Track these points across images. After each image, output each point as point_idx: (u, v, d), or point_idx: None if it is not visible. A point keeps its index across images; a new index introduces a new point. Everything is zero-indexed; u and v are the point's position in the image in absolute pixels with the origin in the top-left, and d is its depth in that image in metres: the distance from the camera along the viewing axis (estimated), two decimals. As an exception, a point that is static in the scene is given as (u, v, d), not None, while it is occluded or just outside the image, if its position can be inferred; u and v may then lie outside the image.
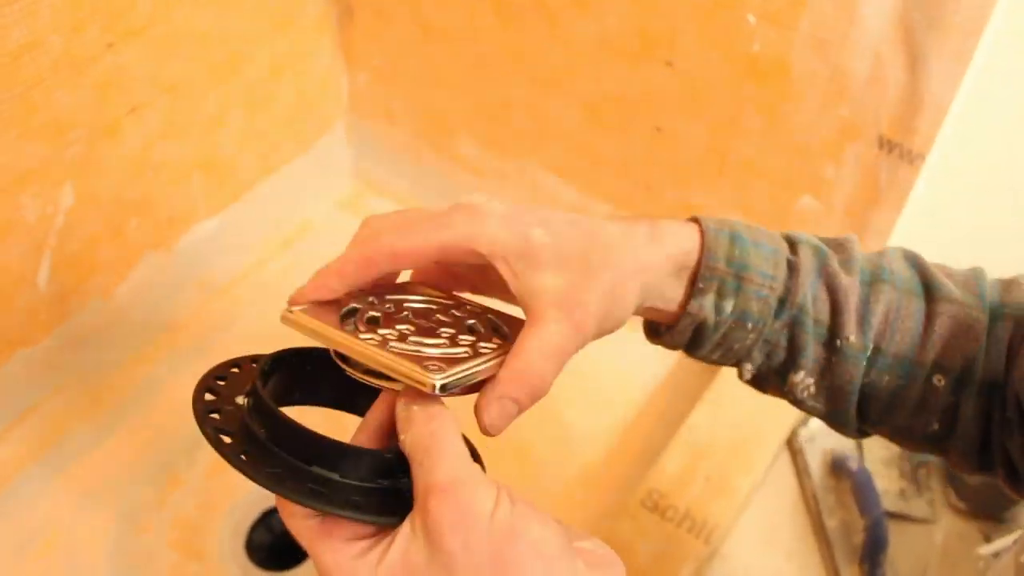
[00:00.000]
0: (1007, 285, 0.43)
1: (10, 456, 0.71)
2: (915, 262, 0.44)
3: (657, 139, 0.74)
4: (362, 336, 0.37)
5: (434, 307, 0.41)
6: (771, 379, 0.45)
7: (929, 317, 0.42)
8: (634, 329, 0.45)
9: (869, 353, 0.42)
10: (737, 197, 0.73)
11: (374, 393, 0.38)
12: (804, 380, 0.43)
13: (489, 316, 0.42)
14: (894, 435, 0.45)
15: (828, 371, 0.43)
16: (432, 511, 0.32)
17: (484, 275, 0.42)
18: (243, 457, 0.35)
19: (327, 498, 0.34)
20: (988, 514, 0.68)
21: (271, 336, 0.91)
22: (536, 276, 0.37)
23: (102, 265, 0.74)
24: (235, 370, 0.41)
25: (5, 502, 0.69)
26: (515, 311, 0.41)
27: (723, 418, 0.71)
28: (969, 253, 0.75)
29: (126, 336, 0.79)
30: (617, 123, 0.76)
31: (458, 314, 0.41)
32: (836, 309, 0.42)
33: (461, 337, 0.39)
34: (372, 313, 0.39)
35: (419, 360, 0.36)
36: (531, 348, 0.37)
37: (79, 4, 0.62)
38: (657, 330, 0.45)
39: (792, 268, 0.42)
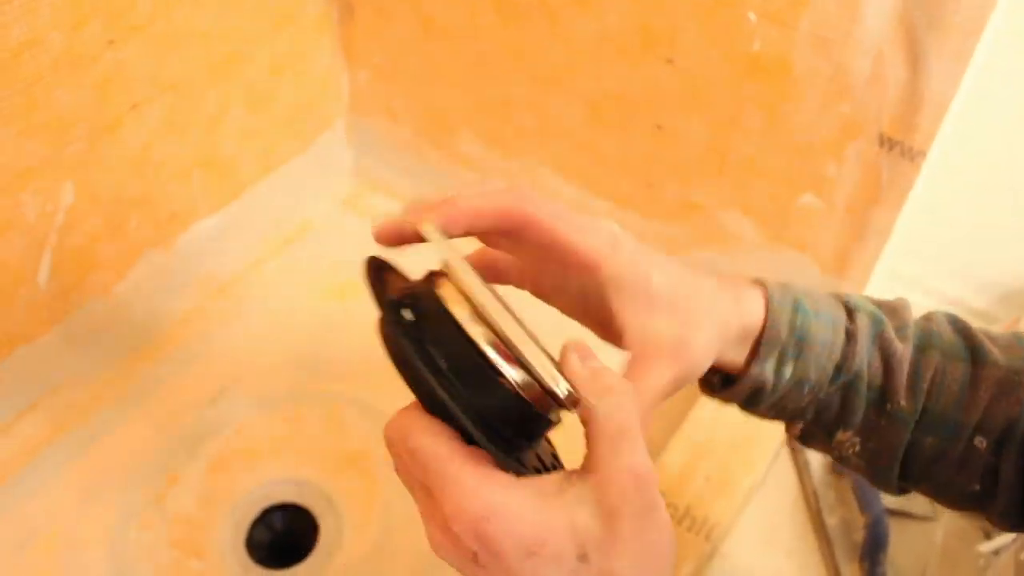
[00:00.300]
0: None
1: (10, 453, 0.71)
2: (960, 327, 0.45)
3: (658, 137, 0.74)
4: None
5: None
6: (818, 435, 0.46)
7: (974, 381, 0.43)
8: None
9: (918, 416, 0.43)
10: (738, 195, 0.73)
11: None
12: (851, 439, 0.45)
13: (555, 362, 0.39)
14: (936, 493, 0.46)
15: (876, 432, 0.44)
16: (619, 494, 0.32)
17: (563, 281, 0.42)
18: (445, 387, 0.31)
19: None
20: (988, 512, 0.68)
21: (271, 335, 0.91)
22: (651, 319, 0.38)
23: (102, 263, 0.74)
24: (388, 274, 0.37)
25: (6, 499, 0.69)
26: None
27: (723, 416, 0.71)
28: (969, 253, 0.75)
29: (126, 334, 0.79)
30: (618, 121, 0.76)
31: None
32: (889, 375, 0.43)
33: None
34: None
35: (552, 360, 0.32)
36: (650, 388, 0.38)
37: (80, 1, 0.61)
38: (713, 385, 0.46)
39: (850, 336, 0.43)
